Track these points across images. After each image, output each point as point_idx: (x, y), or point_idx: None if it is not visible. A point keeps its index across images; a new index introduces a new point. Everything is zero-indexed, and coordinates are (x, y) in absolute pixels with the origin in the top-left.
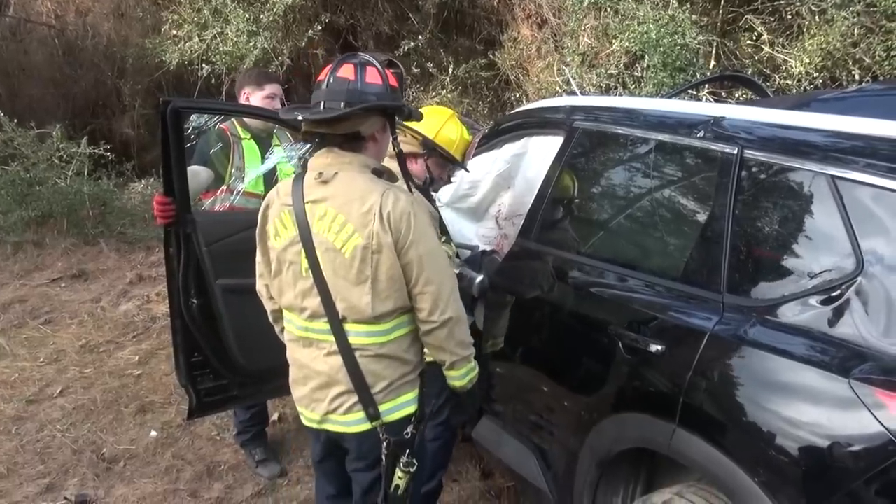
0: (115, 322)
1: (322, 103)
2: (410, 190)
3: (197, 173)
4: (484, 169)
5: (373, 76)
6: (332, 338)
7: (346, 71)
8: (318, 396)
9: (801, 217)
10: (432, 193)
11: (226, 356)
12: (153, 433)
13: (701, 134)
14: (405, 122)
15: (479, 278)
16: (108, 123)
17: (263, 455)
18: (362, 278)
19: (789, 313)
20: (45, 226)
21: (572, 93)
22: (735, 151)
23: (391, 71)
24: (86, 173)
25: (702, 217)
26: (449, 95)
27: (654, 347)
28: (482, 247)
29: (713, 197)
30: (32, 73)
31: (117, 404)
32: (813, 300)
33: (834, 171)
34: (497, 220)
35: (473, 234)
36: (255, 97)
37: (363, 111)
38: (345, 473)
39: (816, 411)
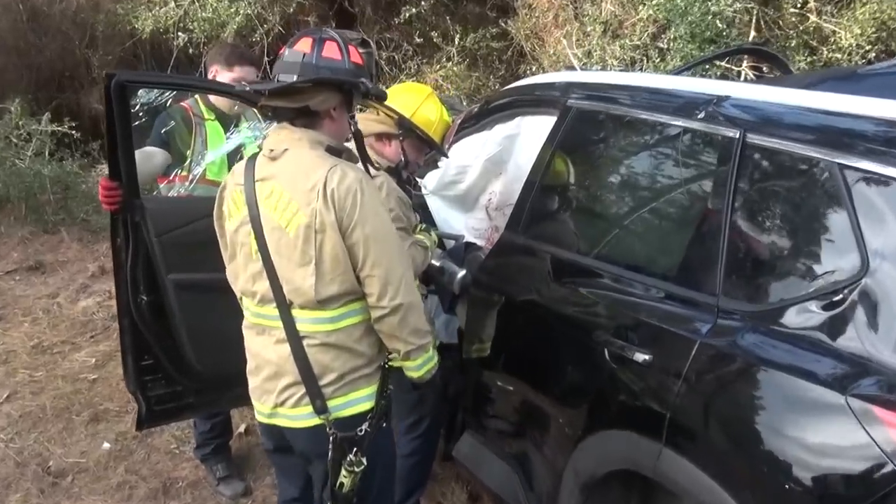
0: (72, 320)
1: (277, 76)
2: (368, 172)
3: (151, 155)
4: (473, 152)
5: (331, 51)
6: (281, 324)
7: (304, 44)
8: (268, 387)
9: (806, 211)
10: (417, 179)
11: (179, 359)
12: (106, 445)
13: (701, 115)
14: (379, 100)
15: (461, 273)
16: (76, 97)
17: (226, 471)
18: (306, 259)
19: (788, 320)
20: None
21: (572, 67)
22: (736, 135)
23: (361, 50)
24: (47, 153)
25: (699, 210)
26: (455, 68)
27: (641, 356)
28: (467, 237)
29: (711, 187)
30: None
31: (68, 412)
32: (813, 305)
33: (843, 159)
34: (487, 211)
35: (462, 225)
36: (222, 77)
37: (313, 84)
38: (305, 471)
39: (813, 432)
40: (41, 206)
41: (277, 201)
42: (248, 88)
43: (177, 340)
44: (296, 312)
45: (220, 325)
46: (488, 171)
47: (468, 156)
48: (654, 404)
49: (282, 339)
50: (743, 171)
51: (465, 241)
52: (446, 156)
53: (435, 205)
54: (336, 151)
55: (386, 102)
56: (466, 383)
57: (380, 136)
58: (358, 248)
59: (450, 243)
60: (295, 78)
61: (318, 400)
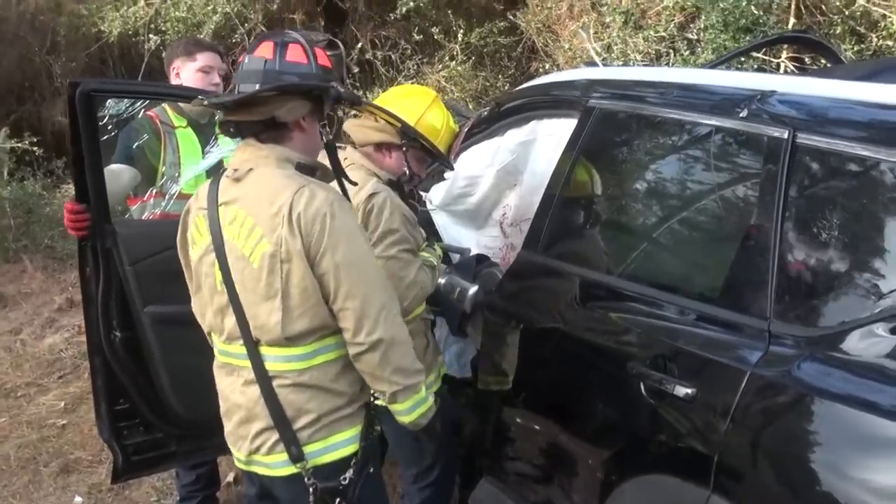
0: (37, 359)
1: (237, 87)
2: (343, 190)
3: (118, 174)
4: (483, 162)
5: (296, 55)
6: (249, 363)
7: (264, 50)
8: (241, 433)
9: (868, 220)
10: (421, 193)
11: (159, 402)
12: (78, 499)
13: (744, 114)
14: (381, 106)
15: (473, 289)
16: (37, 110)
17: None
18: (271, 292)
19: (850, 345)
20: None
21: (592, 63)
22: (785, 136)
23: (328, 52)
24: (6, 173)
25: (743, 222)
26: (459, 68)
27: (682, 390)
28: (475, 250)
29: (757, 195)
30: None
31: (35, 462)
32: (880, 328)
33: None
34: (502, 227)
35: (474, 243)
36: (185, 71)
37: (279, 92)
38: None
39: (883, 473)
40: (0, 231)
41: (241, 227)
42: (205, 102)
43: (155, 381)
44: (264, 350)
45: (205, 363)
46: (501, 182)
47: (478, 166)
48: (699, 444)
49: (251, 379)
50: (794, 177)
51: (474, 254)
52: (452, 168)
53: (442, 221)
54: (309, 169)
55: (386, 108)
56: (483, 422)
57: (379, 146)
58: (328, 279)
59: (455, 257)
60: (257, 87)
61: (292, 446)
